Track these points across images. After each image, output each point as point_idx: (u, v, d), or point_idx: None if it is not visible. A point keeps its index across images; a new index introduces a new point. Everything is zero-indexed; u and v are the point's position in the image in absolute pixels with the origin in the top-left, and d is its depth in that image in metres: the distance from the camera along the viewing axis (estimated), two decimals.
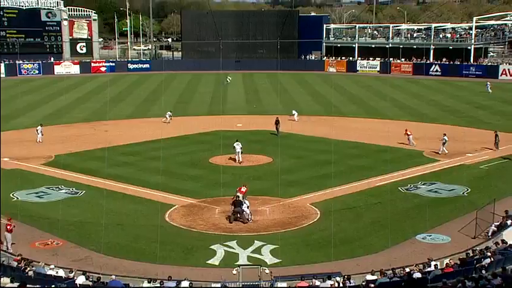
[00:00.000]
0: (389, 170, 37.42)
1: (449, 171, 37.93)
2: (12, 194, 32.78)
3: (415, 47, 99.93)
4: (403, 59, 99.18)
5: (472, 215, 27.47)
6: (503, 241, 23.26)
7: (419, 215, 29.52)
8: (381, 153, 42.84)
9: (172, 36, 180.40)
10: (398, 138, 46.07)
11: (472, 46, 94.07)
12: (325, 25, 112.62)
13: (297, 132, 50.92)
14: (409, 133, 45.55)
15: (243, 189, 30.80)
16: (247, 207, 28.93)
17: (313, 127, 53.60)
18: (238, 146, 39.96)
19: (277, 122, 50.06)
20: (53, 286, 19.05)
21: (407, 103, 67.94)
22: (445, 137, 42.25)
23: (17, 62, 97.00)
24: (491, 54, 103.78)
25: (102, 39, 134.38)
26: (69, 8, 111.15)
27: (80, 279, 20.30)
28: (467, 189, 33.59)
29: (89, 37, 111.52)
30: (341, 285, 19.44)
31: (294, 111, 57.38)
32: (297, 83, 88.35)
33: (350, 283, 19.67)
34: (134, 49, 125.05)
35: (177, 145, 46.31)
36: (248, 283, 20.57)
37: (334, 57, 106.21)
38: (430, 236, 26.98)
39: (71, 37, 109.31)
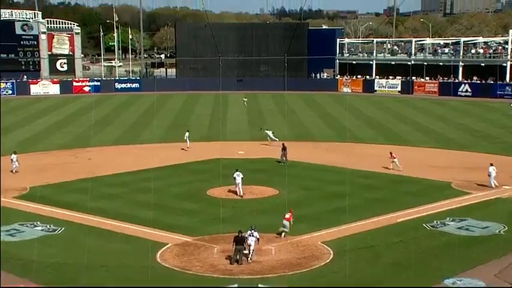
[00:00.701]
0: (412, 203, 37.33)
1: (482, 206, 37.76)
2: None
3: (441, 64, 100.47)
4: (427, 78, 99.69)
5: (510, 257, 27.31)
6: None
7: (447, 256, 29.33)
8: (403, 184, 42.82)
9: (166, 52, 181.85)
10: (419, 167, 46.13)
11: (508, 63, 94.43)
12: (338, 39, 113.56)
13: (305, 160, 50.95)
14: (394, 156, 46.84)
15: (288, 215, 31.49)
16: (257, 240, 28.82)
17: (324, 154, 53.64)
18: (238, 177, 39.90)
19: (283, 149, 50.15)
20: None
21: (432, 127, 68.08)
22: (491, 168, 41.77)
23: None
24: None
25: (83, 55, 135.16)
26: (48, 20, 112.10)
27: None
28: (504, 227, 33.33)
29: (71, 53, 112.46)
30: None
31: (267, 131, 57.38)
32: (307, 104, 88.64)
33: None
34: (127, 69, 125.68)
35: (171, 175, 46.34)
36: None
37: (348, 76, 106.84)
38: (460, 280, 26.74)
39: (49, 53, 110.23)
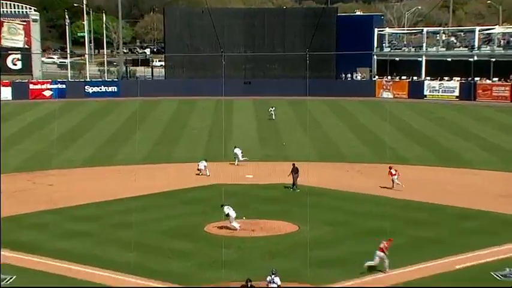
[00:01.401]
0: (475, 245, 37.21)
1: None
2: None
3: None
4: (495, 79, 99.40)
5: None
6: None
7: None
8: (462, 219, 42.73)
9: (152, 46, 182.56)
10: (484, 196, 46.01)
11: None
12: (376, 29, 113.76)
13: (332, 186, 50.95)
14: (393, 172, 48.81)
15: (382, 244, 32.73)
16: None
17: (357, 179, 53.77)
18: (232, 211, 40.23)
19: (295, 171, 50.26)
20: None
21: (501, 143, 67.93)
22: None
23: None
24: None
25: (43, 50, 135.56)
26: None
27: None
28: None
29: (26, 46, 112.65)
30: None
31: (236, 150, 58.69)
32: (334, 113, 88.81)
33: None
34: (102, 67, 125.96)
35: (158, 206, 46.40)
36: None
37: (390, 77, 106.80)
38: None
39: None
